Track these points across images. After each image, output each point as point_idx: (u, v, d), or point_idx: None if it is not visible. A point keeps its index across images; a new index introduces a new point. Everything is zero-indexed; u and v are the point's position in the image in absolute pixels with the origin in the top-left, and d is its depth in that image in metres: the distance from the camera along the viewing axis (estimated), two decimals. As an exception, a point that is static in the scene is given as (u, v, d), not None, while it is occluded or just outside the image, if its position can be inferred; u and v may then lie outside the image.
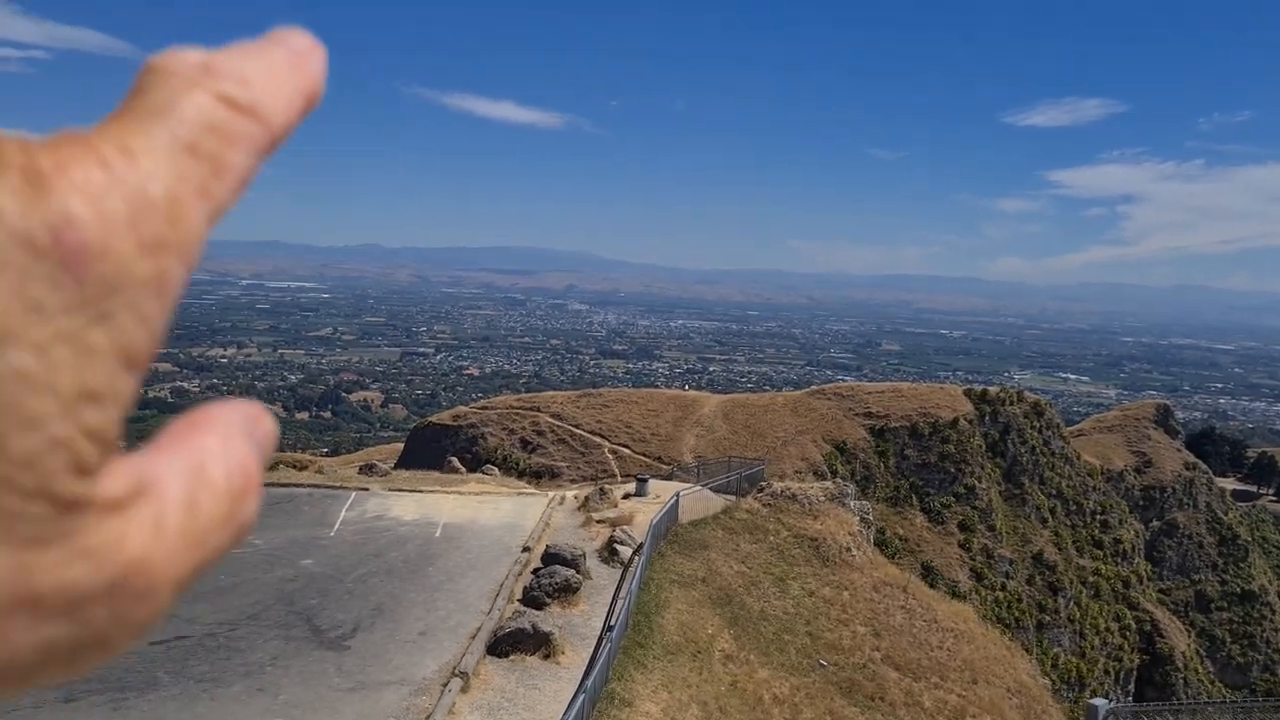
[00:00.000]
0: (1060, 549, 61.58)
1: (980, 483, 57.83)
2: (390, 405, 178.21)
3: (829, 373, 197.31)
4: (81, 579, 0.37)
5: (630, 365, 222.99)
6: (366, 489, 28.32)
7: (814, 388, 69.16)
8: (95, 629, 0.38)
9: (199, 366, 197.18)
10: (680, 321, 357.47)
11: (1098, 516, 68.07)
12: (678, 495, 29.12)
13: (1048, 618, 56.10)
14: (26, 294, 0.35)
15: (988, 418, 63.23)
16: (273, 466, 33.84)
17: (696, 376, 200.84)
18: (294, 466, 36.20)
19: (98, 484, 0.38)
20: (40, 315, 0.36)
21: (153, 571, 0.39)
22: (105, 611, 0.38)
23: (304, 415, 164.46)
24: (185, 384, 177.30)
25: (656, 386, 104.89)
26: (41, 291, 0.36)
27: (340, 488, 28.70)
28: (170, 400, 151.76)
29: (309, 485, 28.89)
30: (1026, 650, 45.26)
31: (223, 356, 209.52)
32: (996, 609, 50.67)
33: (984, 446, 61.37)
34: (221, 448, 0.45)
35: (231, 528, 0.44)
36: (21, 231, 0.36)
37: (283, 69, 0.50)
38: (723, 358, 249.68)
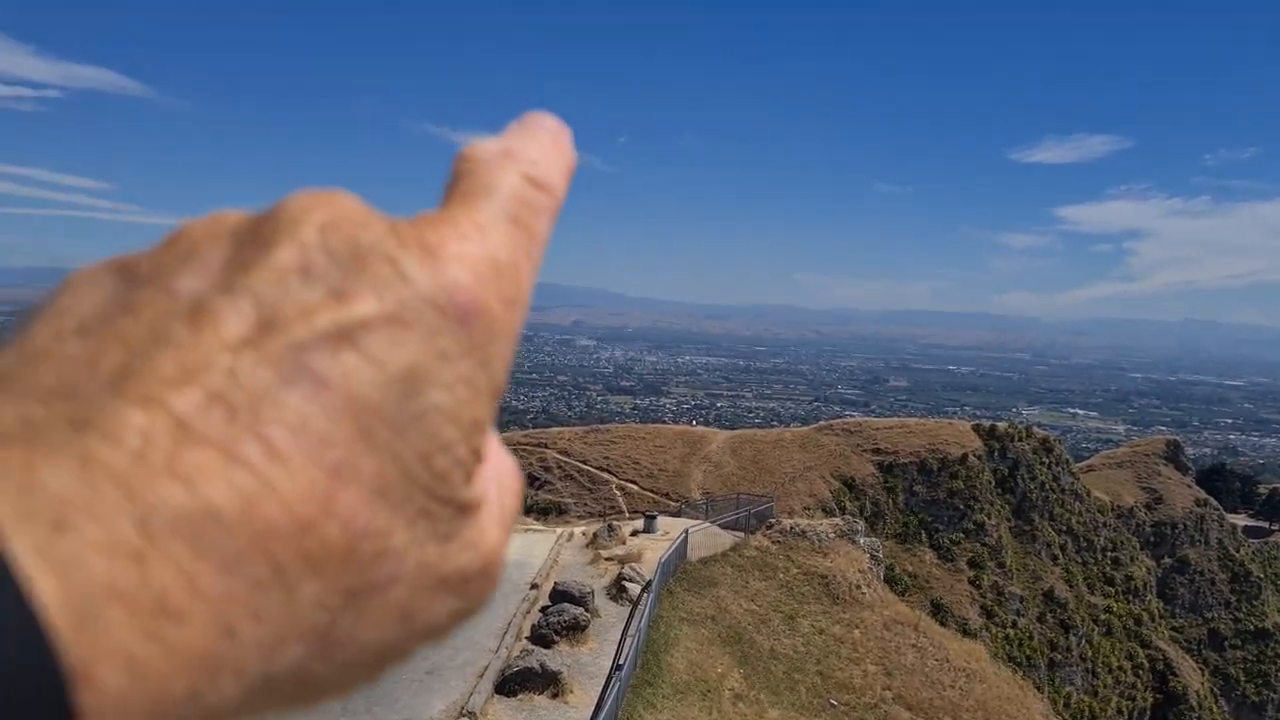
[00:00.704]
0: (1071, 586, 61.07)
1: (990, 519, 57.46)
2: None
3: (837, 408, 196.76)
4: (468, 564, 0.46)
5: (638, 401, 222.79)
6: (373, 526, 28.16)
7: (822, 423, 68.95)
8: (471, 603, 0.48)
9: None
10: (688, 357, 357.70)
11: (1109, 553, 67.57)
12: (686, 532, 28.92)
13: (1059, 656, 55.53)
14: (437, 345, 0.44)
15: (997, 454, 62.94)
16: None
17: (704, 412, 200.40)
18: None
19: (474, 490, 0.47)
20: (447, 362, 0.44)
21: (499, 557, 0.49)
22: (477, 589, 0.47)
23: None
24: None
25: (664, 422, 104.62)
26: (446, 343, 0.45)
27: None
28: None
29: (316, 522, 28.70)
30: (1038, 689, 44.75)
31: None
32: (1008, 647, 50.14)
33: (993, 483, 61.06)
34: (499, 455, 0.53)
35: (514, 519, 0.53)
36: (429, 296, 0.45)
37: (552, 149, 0.57)
38: (730, 393, 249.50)
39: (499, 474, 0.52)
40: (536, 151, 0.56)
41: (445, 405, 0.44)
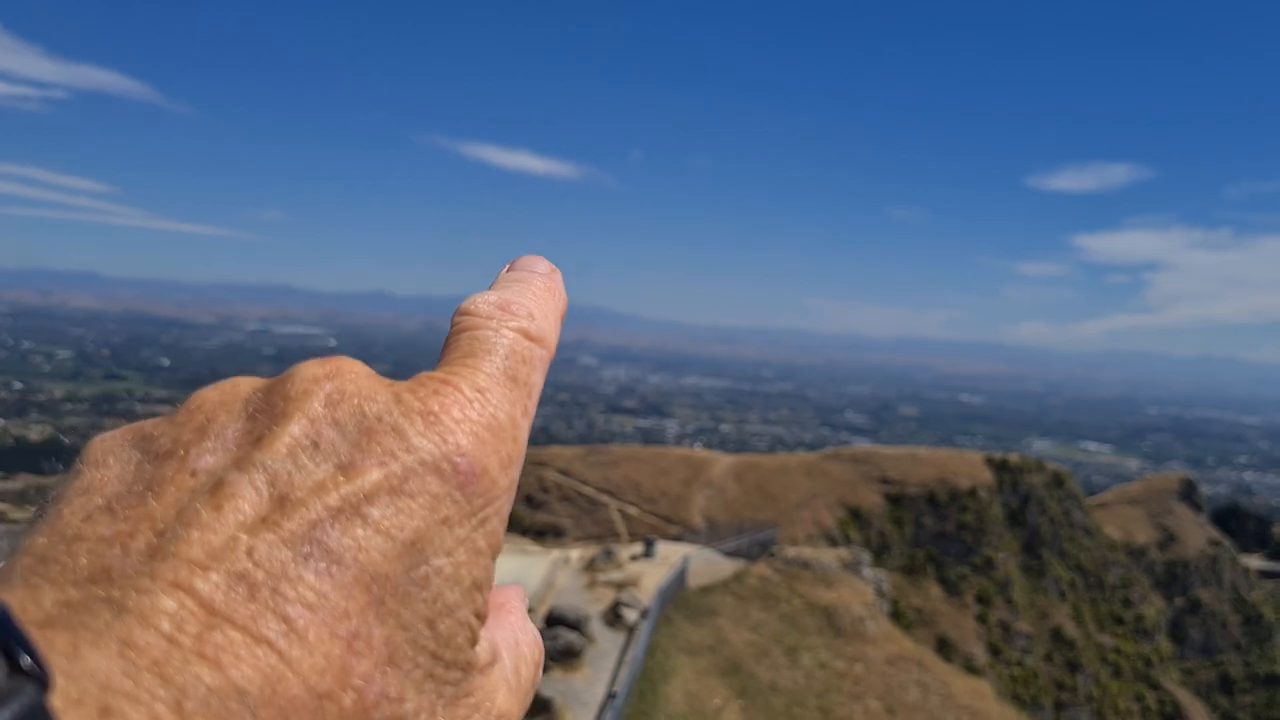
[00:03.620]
0: (1080, 625, 60.25)
1: (999, 554, 56.77)
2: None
3: (845, 435, 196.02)
4: None
5: (640, 422, 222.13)
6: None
7: (829, 450, 68.43)
8: None
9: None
10: (693, 379, 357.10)
11: (1119, 592, 66.72)
12: (686, 559, 28.47)
13: (1066, 696, 54.62)
14: (440, 513, 0.48)
15: (1007, 487, 62.28)
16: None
17: (708, 435, 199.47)
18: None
19: (479, 651, 0.51)
20: (449, 527, 0.48)
21: None
22: None
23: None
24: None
25: (667, 445, 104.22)
26: (448, 509, 0.49)
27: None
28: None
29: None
30: (1044, 730, 43.98)
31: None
32: (1014, 686, 49.33)
33: (1003, 516, 60.39)
34: (522, 625, 0.59)
35: (532, 690, 0.57)
36: (432, 464, 0.49)
37: (546, 296, 0.63)
38: (735, 417, 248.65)
39: (518, 640, 0.57)
40: (532, 303, 0.61)
41: (447, 570, 0.48)
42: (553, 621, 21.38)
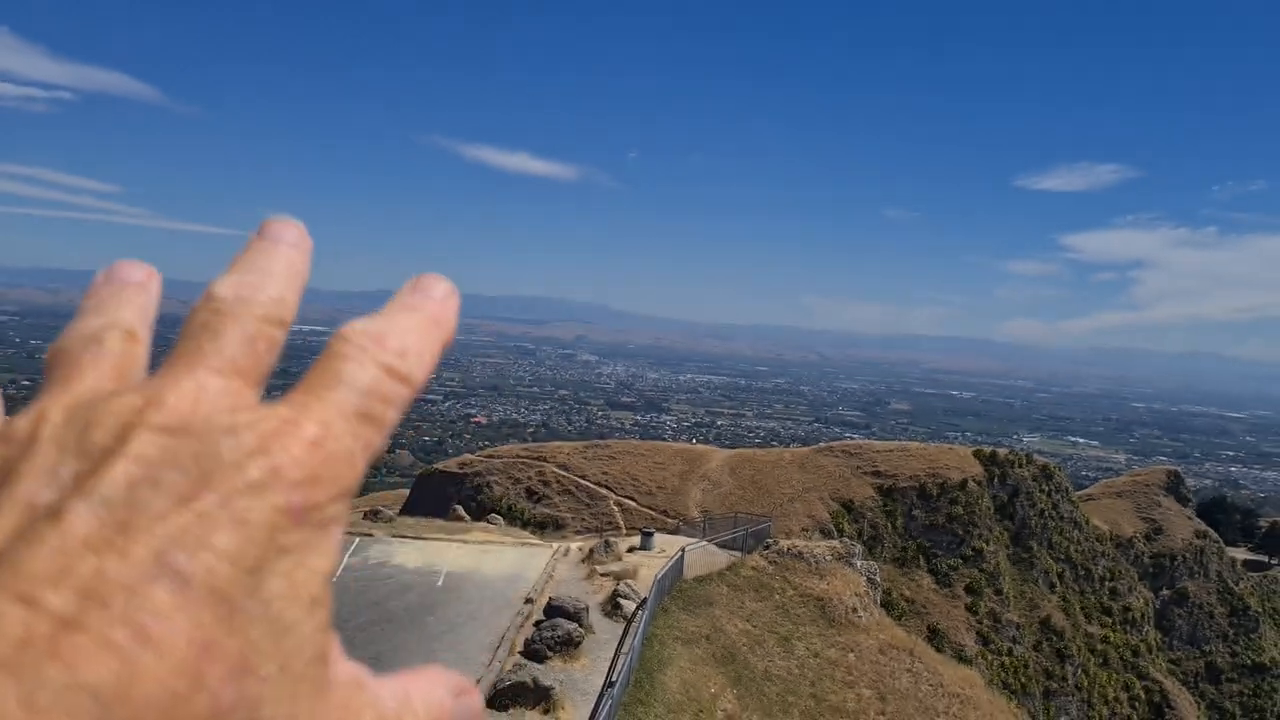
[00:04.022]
0: (1068, 615, 60.79)
1: (988, 545, 57.24)
2: (397, 451, 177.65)
3: (837, 430, 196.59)
4: None
5: (638, 417, 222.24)
6: (370, 535, 28.10)
7: (822, 445, 68.78)
8: None
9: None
10: (690, 375, 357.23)
11: (1107, 583, 67.26)
12: (683, 550, 28.85)
13: (1055, 685, 55.20)
14: (276, 540, 0.50)
15: (996, 480, 62.72)
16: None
17: (704, 430, 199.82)
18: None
19: (333, 669, 0.54)
20: (285, 553, 0.51)
21: None
22: None
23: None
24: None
25: (664, 439, 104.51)
26: (284, 538, 0.51)
27: (344, 533, 28.44)
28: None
29: (312, 530, 28.61)
30: (1033, 718, 44.53)
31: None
32: (1003, 675, 49.86)
33: (992, 509, 60.84)
34: (427, 690, 0.60)
35: None
36: (269, 499, 0.51)
37: (429, 329, 0.63)
38: (731, 412, 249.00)
39: (409, 694, 0.59)
40: (411, 336, 0.61)
41: (286, 590, 0.50)
42: (552, 612, 21.80)
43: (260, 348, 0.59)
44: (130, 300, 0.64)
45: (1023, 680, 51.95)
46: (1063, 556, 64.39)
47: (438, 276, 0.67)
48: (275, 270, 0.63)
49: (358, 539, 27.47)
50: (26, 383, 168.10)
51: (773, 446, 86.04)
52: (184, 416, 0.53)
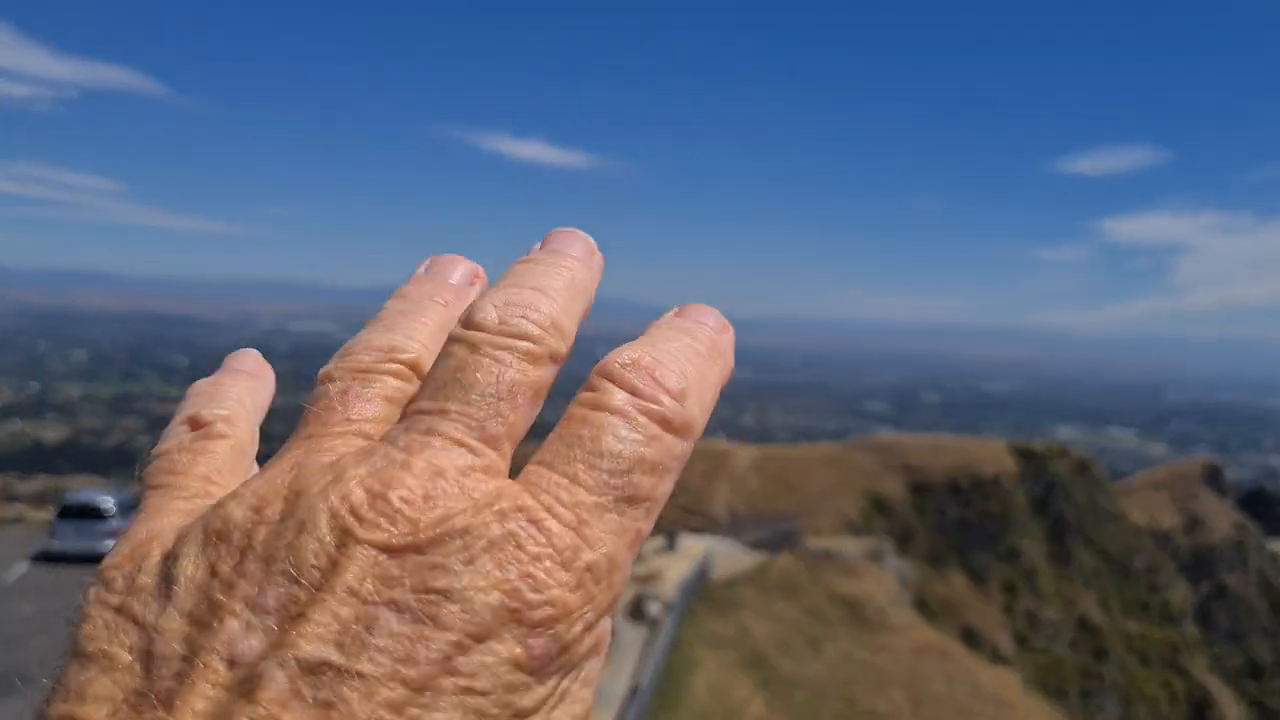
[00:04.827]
0: (1106, 612, 59.94)
1: (1024, 542, 56.52)
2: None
3: (867, 425, 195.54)
4: None
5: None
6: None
7: (851, 440, 68.25)
8: None
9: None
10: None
11: (1145, 578, 66.34)
12: (709, 551, 28.45)
13: (1093, 684, 54.34)
14: (512, 704, 0.42)
15: (1031, 474, 61.99)
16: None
17: (729, 427, 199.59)
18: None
19: None
20: (522, 718, 0.42)
21: None
22: None
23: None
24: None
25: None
26: (523, 700, 0.42)
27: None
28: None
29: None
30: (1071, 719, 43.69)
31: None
32: (1040, 675, 49.09)
33: (1027, 504, 60.12)
34: None
35: None
36: (506, 650, 0.42)
37: (707, 362, 0.52)
38: (757, 408, 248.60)
39: None
40: (691, 368, 0.51)
41: None
42: (575, 616, 21.36)
43: (523, 400, 0.49)
44: (434, 313, 0.56)
45: (1060, 680, 51.17)
46: (1100, 552, 63.57)
47: (708, 307, 0.56)
48: (553, 288, 0.53)
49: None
50: (35, 385, 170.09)
51: (800, 443, 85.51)
52: (411, 522, 0.43)
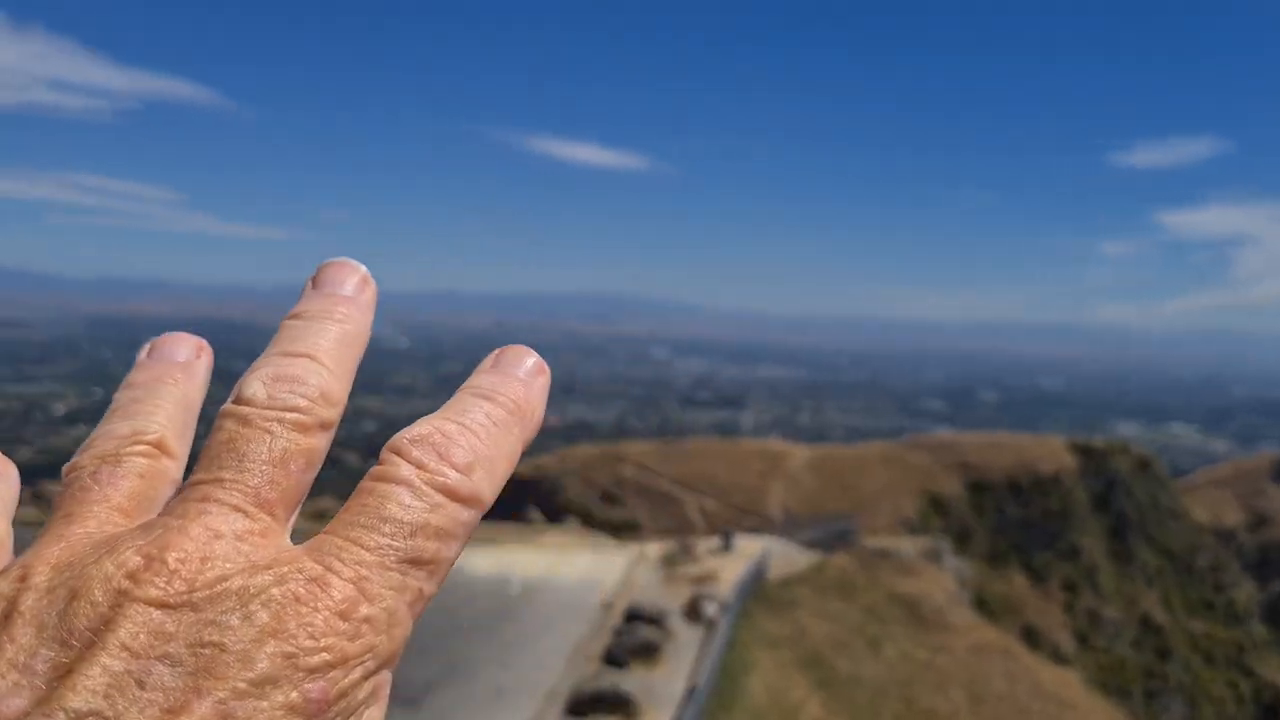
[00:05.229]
0: (1169, 611, 58.88)
1: (1084, 540, 55.74)
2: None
3: (922, 423, 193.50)
4: None
5: (715, 414, 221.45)
6: (447, 540, 28.04)
7: (907, 439, 67.73)
8: None
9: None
10: (767, 370, 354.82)
11: (1209, 576, 65.06)
12: (765, 551, 28.42)
13: (1157, 684, 53.40)
14: None
15: (1091, 471, 61.10)
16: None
17: (784, 427, 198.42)
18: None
19: None
20: None
21: None
22: None
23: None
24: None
25: (742, 437, 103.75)
26: None
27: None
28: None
29: (388, 536, 28.76)
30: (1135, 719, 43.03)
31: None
32: (1101, 674, 48.38)
33: (1088, 502, 59.28)
34: None
35: None
36: (282, 697, 0.43)
37: (508, 426, 0.54)
38: (812, 407, 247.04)
39: None
40: (483, 439, 0.52)
41: None
42: (632, 617, 21.51)
43: (295, 467, 0.51)
44: (167, 393, 0.58)
45: (1123, 680, 50.39)
46: (1162, 550, 62.44)
47: (526, 349, 0.58)
48: (322, 349, 0.55)
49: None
50: (100, 392, 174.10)
51: (855, 442, 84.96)
52: (188, 581, 0.44)
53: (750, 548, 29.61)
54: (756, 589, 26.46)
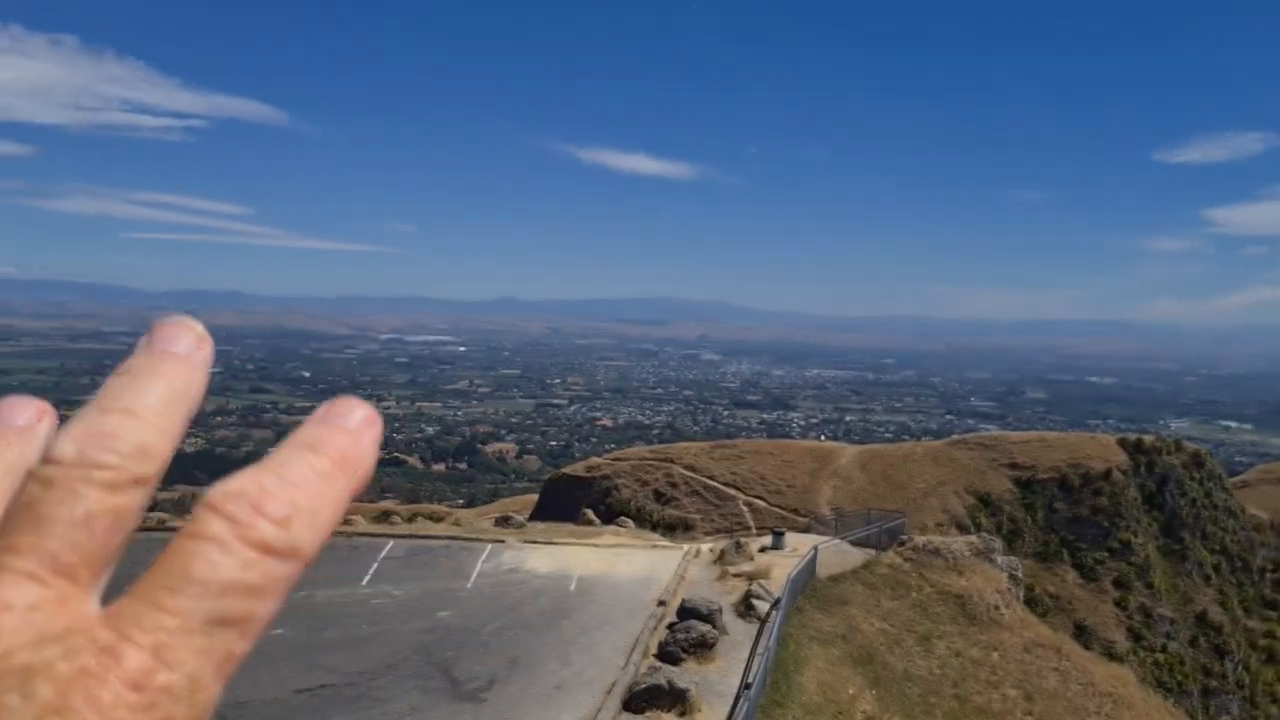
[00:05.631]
0: (1226, 609, 58.01)
1: (1136, 537, 55.14)
2: (525, 457, 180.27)
3: (971, 422, 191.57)
4: None
5: (764, 415, 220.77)
6: (502, 541, 28.55)
7: (955, 437, 67.41)
8: None
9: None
10: (815, 370, 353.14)
11: (1267, 574, 63.99)
12: (815, 549, 28.54)
13: (1214, 683, 52.71)
14: None
15: (1143, 468, 60.40)
16: (410, 518, 34.58)
17: (833, 426, 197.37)
18: (430, 518, 36.97)
19: None
20: None
21: None
22: None
23: (440, 467, 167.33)
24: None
25: (791, 437, 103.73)
26: None
27: (476, 540, 29.02)
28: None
29: (445, 537, 29.33)
30: (1191, 718, 42.58)
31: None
32: (1157, 672, 47.88)
33: (1140, 499, 58.62)
34: None
35: None
36: None
37: (331, 477, 0.52)
38: (860, 407, 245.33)
39: None
40: (304, 490, 0.50)
41: None
42: (685, 614, 21.79)
43: (100, 527, 0.47)
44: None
45: (1179, 678, 49.81)
46: (1218, 547, 61.50)
47: (355, 401, 0.55)
48: (144, 405, 0.51)
49: (490, 545, 27.94)
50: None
51: (904, 440, 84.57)
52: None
53: (801, 545, 29.82)
54: (808, 586, 26.63)
